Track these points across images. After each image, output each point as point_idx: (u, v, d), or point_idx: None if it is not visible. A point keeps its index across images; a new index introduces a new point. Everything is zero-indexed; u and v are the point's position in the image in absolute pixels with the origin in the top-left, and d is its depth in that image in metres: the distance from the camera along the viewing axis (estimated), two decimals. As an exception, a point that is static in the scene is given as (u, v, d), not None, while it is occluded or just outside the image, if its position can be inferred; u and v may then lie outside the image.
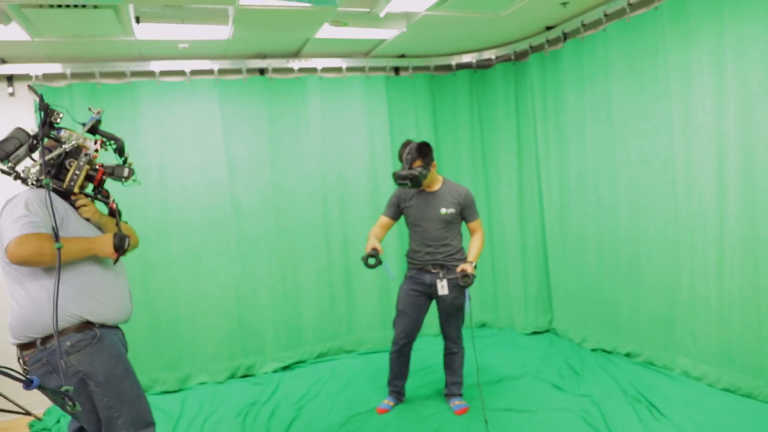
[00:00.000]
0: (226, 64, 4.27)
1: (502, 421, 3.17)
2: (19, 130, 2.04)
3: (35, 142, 2.03)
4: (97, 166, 2.17)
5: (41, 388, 1.88)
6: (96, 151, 2.16)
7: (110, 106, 4.01)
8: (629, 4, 3.60)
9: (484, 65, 4.99)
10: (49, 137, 2.06)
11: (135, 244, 2.26)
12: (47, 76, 3.94)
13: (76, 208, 2.15)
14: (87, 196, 2.19)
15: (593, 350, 4.17)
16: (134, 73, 4.11)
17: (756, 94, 2.97)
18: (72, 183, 2.08)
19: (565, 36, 4.23)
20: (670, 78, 3.44)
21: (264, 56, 4.39)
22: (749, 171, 3.05)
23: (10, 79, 3.89)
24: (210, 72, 4.29)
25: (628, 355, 3.96)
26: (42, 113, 2.00)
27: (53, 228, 1.83)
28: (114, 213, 2.25)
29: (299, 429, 3.30)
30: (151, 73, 4.14)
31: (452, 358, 3.46)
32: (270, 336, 4.44)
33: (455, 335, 3.41)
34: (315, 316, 4.59)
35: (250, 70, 4.42)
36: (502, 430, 3.07)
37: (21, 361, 2.04)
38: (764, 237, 3.01)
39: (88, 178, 2.16)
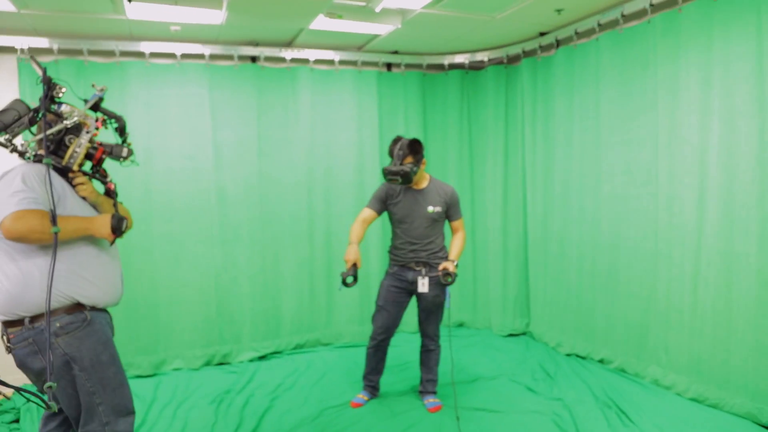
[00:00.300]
0: (217, 50, 4.22)
1: (475, 420, 3.21)
2: (19, 101, 1.98)
3: (35, 115, 1.97)
4: (96, 145, 2.12)
5: (24, 367, 1.87)
6: (96, 129, 2.11)
7: (97, 84, 3.94)
8: (623, 16, 3.64)
9: (476, 66, 5.01)
10: (50, 111, 2.00)
11: (130, 226, 2.22)
12: (33, 50, 3.86)
13: (73, 186, 2.10)
14: (85, 174, 2.14)
15: (568, 355, 4.23)
16: (123, 53, 4.05)
17: (740, 112, 3.04)
18: (72, 160, 2.03)
19: (558, 43, 4.27)
20: (658, 91, 3.49)
21: (256, 44, 4.36)
22: (729, 187, 3.12)
23: (-6, 50, 3.81)
24: (201, 56, 4.24)
25: (601, 361, 4.02)
26: (45, 86, 1.95)
27: (51, 211, 1.80)
28: (111, 193, 2.20)
29: (273, 419, 3.30)
30: (140, 54, 4.08)
31: (429, 355, 3.48)
32: (248, 325, 4.42)
33: (433, 333, 3.43)
34: (294, 307, 4.59)
35: (241, 57, 4.38)
36: (474, 429, 3.10)
37: (5, 338, 1.99)
38: (740, 253, 3.08)
39: (88, 156, 2.11)
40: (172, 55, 4.16)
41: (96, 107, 2.14)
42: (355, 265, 3.08)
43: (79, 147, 2.04)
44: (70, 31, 3.81)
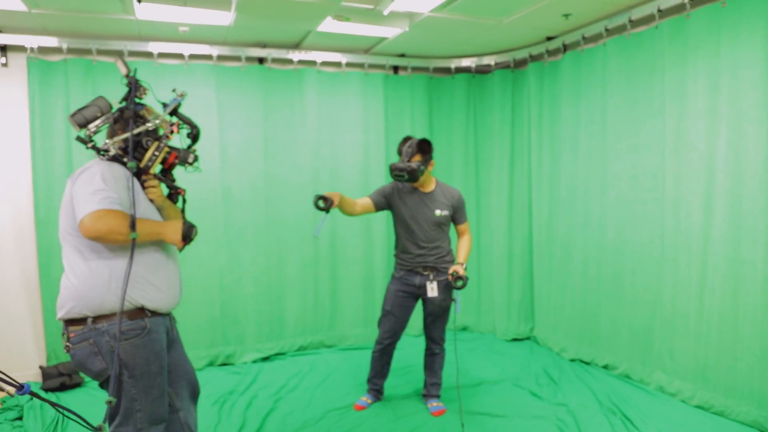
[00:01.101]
0: (225, 51, 4.24)
1: (478, 424, 3.19)
2: (102, 99, 2.00)
3: (119, 114, 1.98)
4: (169, 149, 2.12)
5: (82, 367, 1.92)
6: (172, 133, 2.11)
7: (105, 84, 3.97)
8: (630, 21, 3.63)
9: (482, 70, 5.02)
10: (136, 114, 2.01)
11: (197, 233, 2.25)
12: (42, 49, 3.88)
13: (143, 188, 2.10)
14: (156, 177, 2.13)
15: (572, 360, 4.22)
16: (132, 53, 4.07)
17: (748, 118, 3.03)
18: (149, 163, 2.03)
19: (565, 47, 4.27)
20: (666, 96, 3.49)
21: (264, 45, 4.37)
22: (737, 193, 3.11)
23: (3, 49, 3.83)
24: (209, 57, 4.26)
25: (605, 367, 4.01)
26: (130, 87, 1.97)
27: (132, 215, 1.83)
28: (175, 198, 2.23)
29: (276, 420, 3.29)
30: (149, 54, 4.10)
31: (433, 359, 3.47)
32: (251, 326, 4.42)
33: (439, 337, 3.42)
34: (298, 309, 4.58)
35: (249, 59, 4.40)
36: (478, 433, 3.09)
37: (65, 336, 1.96)
38: (747, 259, 3.07)
39: (160, 160, 2.10)
40: (180, 56, 4.17)
41: (174, 112, 2.14)
42: (331, 200, 2.91)
43: (158, 150, 2.04)
44: (79, 30, 3.84)
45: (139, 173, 2.06)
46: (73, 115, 1.96)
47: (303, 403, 3.54)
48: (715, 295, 3.23)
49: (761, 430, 2.99)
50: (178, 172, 2.23)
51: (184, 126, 2.17)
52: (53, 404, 1.51)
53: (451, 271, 3.15)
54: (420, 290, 3.28)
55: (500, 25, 3.93)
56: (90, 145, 1.99)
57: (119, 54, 4.03)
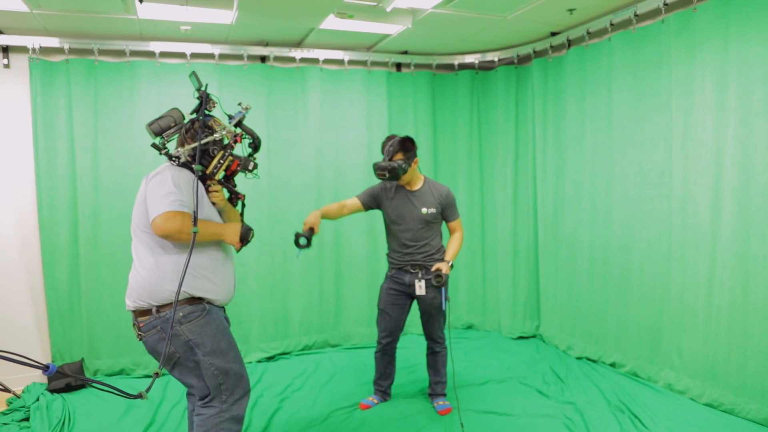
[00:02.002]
0: (227, 50, 4.22)
1: (485, 423, 3.17)
2: (176, 110, 2.21)
3: (191, 125, 2.19)
4: (233, 158, 2.29)
5: (154, 352, 2.18)
6: (236, 142, 2.31)
7: (108, 84, 3.96)
8: (636, 15, 3.60)
9: (486, 67, 4.98)
10: (205, 125, 2.20)
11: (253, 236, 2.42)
12: (44, 50, 3.87)
13: (207, 192, 2.29)
14: (219, 183, 2.32)
15: (578, 358, 4.19)
16: (133, 53, 4.05)
17: (757, 113, 2.99)
18: (215, 170, 2.21)
19: (570, 43, 4.23)
20: (672, 91, 3.45)
21: (266, 44, 4.35)
22: (745, 189, 3.07)
23: (5, 50, 3.82)
24: (210, 56, 4.24)
25: (612, 365, 3.97)
26: (201, 100, 2.18)
27: (194, 213, 2.01)
28: (235, 202, 2.43)
29: (281, 420, 3.28)
30: (150, 54, 4.08)
31: (435, 357, 3.44)
32: (256, 326, 4.41)
33: (436, 335, 3.39)
34: (303, 308, 4.57)
35: (251, 57, 4.37)
36: (485, 432, 3.07)
37: (136, 326, 2.17)
38: (756, 255, 3.03)
39: (225, 167, 2.27)
40: (182, 55, 4.16)
41: (238, 123, 2.34)
42: (312, 229, 2.94)
43: (223, 159, 2.22)
44: (80, 30, 3.82)
45: (205, 178, 2.25)
46: (150, 125, 2.16)
47: (308, 402, 3.53)
48: (724, 292, 3.20)
49: (770, 428, 2.97)
50: (238, 179, 2.41)
51: (246, 136, 2.36)
52: (89, 380, 1.68)
53: (434, 268, 3.15)
54: (410, 288, 3.27)
55: (504, 21, 3.90)
56: (164, 151, 2.19)
57: (121, 53, 4.02)
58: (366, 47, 4.61)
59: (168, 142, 2.19)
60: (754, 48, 2.98)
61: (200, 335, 2.14)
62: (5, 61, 3.83)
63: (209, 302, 2.22)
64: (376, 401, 3.48)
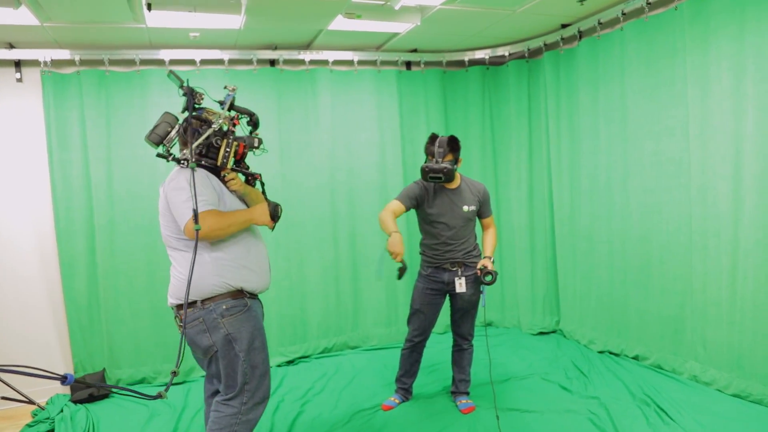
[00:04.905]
0: (236, 55, 4.22)
1: (509, 420, 3.14)
2: (168, 114, 2.18)
3: (186, 125, 2.15)
4: (237, 141, 2.28)
5: (194, 344, 2.20)
6: (234, 125, 2.30)
7: (119, 94, 3.97)
8: (648, 3, 3.55)
9: (497, 62, 4.94)
10: (197, 119, 2.19)
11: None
12: (55, 62, 3.89)
13: (225, 183, 2.29)
14: (232, 170, 2.32)
15: (600, 352, 4.15)
16: (143, 61, 4.07)
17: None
18: (225, 160, 2.22)
19: (581, 34, 4.18)
20: (688, 79, 3.40)
21: (275, 47, 4.34)
22: (766, 176, 3.01)
23: (18, 64, 3.84)
24: (220, 62, 4.24)
25: (636, 358, 3.93)
26: (187, 96, 2.14)
27: (194, 209, 2.00)
28: (252, 183, 2.43)
29: (304, 424, 3.27)
30: (160, 62, 4.09)
31: (462, 354, 3.42)
32: (275, 330, 4.40)
33: (468, 332, 3.37)
34: (320, 311, 4.56)
35: (260, 61, 4.37)
36: (510, 429, 3.04)
37: (177, 319, 2.22)
38: (780, 243, 2.98)
39: (233, 153, 2.27)
40: (191, 62, 4.16)
41: (231, 106, 2.31)
42: (403, 260, 2.93)
43: (228, 147, 2.22)
44: (90, 42, 3.84)
45: (218, 171, 2.25)
46: (148, 136, 2.14)
47: (330, 405, 3.52)
48: (748, 280, 3.14)
49: (803, 418, 2.91)
50: (250, 159, 2.41)
51: (243, 116, 2.35)
52: (108, 386, 1.78)
53: (479, 265, 3.11)
54: (448, 287, 3.24)
55: (513, 15, 3.86)
56: (171, 158, 2.17)
57: (131, 62, 4.03)
58: (375, 47, 4.59)
59: (171, 147, 2.19)
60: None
61: (239, 330, 2.17)
62: (18, 75, 3.85)
63: (251, 294, 2.26)
64: (398, 401, 3.47)
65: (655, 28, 3.58)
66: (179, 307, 2.20)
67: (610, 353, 4.10)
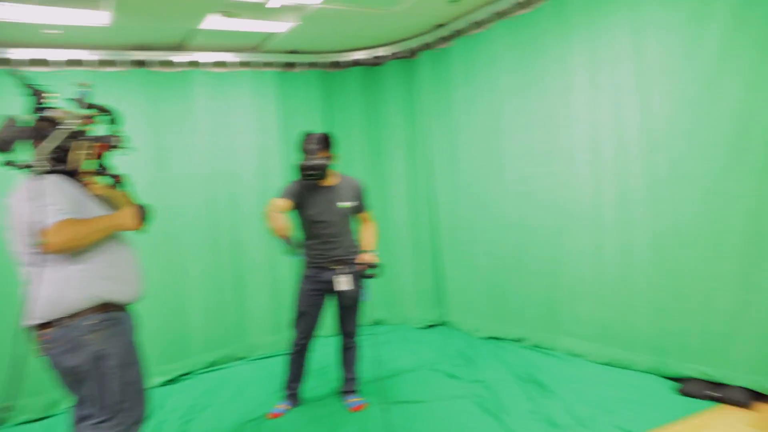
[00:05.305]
0: (104, 55, 3.93)
1: (398, 413, 3.13)
2: (10, 118, 1.99)
3: (36, 125, 1.99)
4: (94, 142, 2.12)
5: (59, 367, 2.00)
6: (87, 125, 2.12)
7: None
8: (518, 4, 3.77)
9: (377, 62, 5.04)
10: (46, 120, 2.01)
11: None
12: None
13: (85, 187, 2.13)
14: (92, 173, 2.15)
15: (485, 338, 4.29)
16: (-12, 59, 3.67)
17: (626, 90, 3.24)
18: (76, 163, 2.05)
19: (456, 34, 4.36)
20: (552, 75, 3.66)
21: (146, 48, 4.11)
22: (621, 159, 3.31)
23: None
24: (90, 63, 3.92)
25: (518, 340, 4.11)
26: (31, 96, 1.98)
27: (43, 221, 1.85)
28: (119, 184, 2.26)
29: (186, 442, 3.04)
30: (6, 61, 3.71)
31: (349, 353, 3.37)
32: (152, 348, 4.03)
33: (353, 329, 3.32)
34: (202, 324, 4.30)
35: (131, 62, 4.11)
36: (398, 422, 3.03)
37: (38, 341, 2.01)
38: (634, 219, 3.27)
39: (89, 155, 2.10)
40: (55, 63, 3.82)
41: (86, 104, 2.15)
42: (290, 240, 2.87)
43: (79, 148, 2.06)
44: None
45: (73, 175, 2.08)
46: None
47: (215, 421, 3.31)
48: (610, 257, 3.42)
49: (660, 375, 3.21)
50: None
51: (102, 114, 2.19)
52: None
53: (362, 260, 3.09)
54: (330, 285, 3.18)
55: (390, 15, 3.96)
56: (22, 165, 1.99)
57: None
58: (252, 47, 4.50)
59: (16, 154, 1.99)
60: (619, 29, 3.24)
61: (110, 345, 2.01)
62: None
63: (121, 307, 2.11)
64: (287, 408, 3.33)
65: (523, 27, 3.81)
66: (41, 326, 1.99)
67: (494, 338, 4.26)
